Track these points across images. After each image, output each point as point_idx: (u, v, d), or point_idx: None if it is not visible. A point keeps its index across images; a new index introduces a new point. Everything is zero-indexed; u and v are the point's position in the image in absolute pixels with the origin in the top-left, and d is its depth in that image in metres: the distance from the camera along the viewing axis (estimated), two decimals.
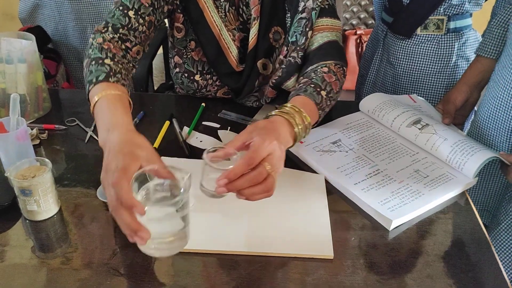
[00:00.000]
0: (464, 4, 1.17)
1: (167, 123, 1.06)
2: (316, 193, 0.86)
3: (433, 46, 1.23)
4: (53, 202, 0.80)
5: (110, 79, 0.84)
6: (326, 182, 0.89)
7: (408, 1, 1.20)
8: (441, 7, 1.18)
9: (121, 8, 0.97)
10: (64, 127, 1.04)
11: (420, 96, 1.29)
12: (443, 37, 1.22)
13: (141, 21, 0.98)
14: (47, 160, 0.79)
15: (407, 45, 1.26)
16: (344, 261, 0.73)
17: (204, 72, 1.14)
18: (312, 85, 0.92)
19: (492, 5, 1.16)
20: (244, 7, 1.06)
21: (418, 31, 1.22)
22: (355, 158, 0.93)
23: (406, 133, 0.98)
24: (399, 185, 0.86)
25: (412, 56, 1.26)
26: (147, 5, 0.99)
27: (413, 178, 0.88)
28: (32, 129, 0.99)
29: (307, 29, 1.03)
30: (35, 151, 0.96)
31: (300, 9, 1.04)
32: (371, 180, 0.87)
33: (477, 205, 1.06)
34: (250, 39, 1.07)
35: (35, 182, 0.75)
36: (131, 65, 0.99)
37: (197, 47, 1.11)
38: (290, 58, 1.06)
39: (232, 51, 1.09)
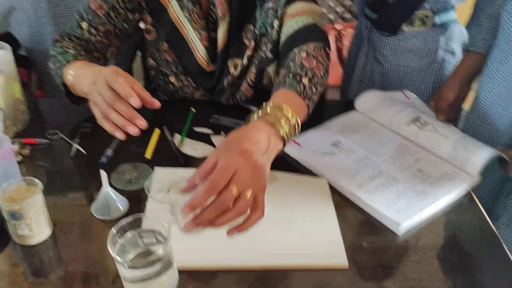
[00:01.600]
0: None
1: (157, 131, 1.01)
2: (321, 198, 0.83)
3: (419, 41, 1.22)
4: (46, 224, 0.74)
5: (78, 58, 0.92)
6: (329, 185, 0.87)
7: None
8: (425, 2, 1.17)
9: (77, 18, 1.01)
10: (46, 140, 0.98)
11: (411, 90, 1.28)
12: (428, 32, 1.21)
13: (94, 31, 1.00)
14: (36, 180, 0.73)
15: (393, 42, 1.24)
16: (360, 269, 0.71)
17: (179, 72, 1.11)
18: (291, 75, 0.84)
19: None
20: (212, 6, 1.03)
21: (404, 27, 1.21)
22: (357, 160, 0.91)
23: (406, 132, 0.97)
24: (403, 185, 0.85)
25: (399, 52, 1.24)
26: (101, 15, 1.00)
27: (417, 178, 0.86)
28: (13, 145, 0.92)
29: (273, 18, 0.99)
30: (19, 168, 0.89)
31: None
32: (375, 182, 0.86)
33: None
34: (218, 39, 1.04)
35: (25, 205, 0.70)
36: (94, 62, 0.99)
37: (170, 49, 1.09)
38: (261, 53, 1.03)
39: (199, 50, 1.06)
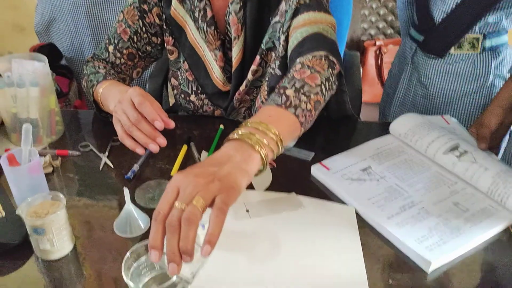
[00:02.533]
0: (501, 21, 1.11)
1: (185, 147, 1.01)
2: (347, 228, 0.80)
3: (468, 65, 1.16)
4: (68, 240, 0.75)
5: (107, 78, 0.99)
6: (356, 214, 0.83)
7: (440, 20, 1.14)
8: (476, 26, 1.11)
9: (106, 41, 1.09)
10: (77, 152, 0.99)
11: (455, 117, 1.23)
12: (478, 56, 1.15)
13: (118, 55, 1.08)
14: (61, 195, 0.74)
15: (440, 65, 1.19)
16: None
17: (199, 92, 1.12)
18: (275, 91, 0.78)
19: None
20: (228, 26, 1.02)
21: (452, 50, 1.16)
22: (387, 188, 0.87)
23: (443, 161, 0.91)
24: (437, 219, 0.80)
25: (446, 76, 1.19)
26: (125, 39, 1.07)
27: (452, 212, 0.81)
28: (44, 156, 0.94)
29: (280, 33, 0.98)
30: (48, 179, 0.91)
31: (276, 13, 0.98)
32: (405, 214, 0.81)
33: None
34: (233, 59, 1.03)
35: (48, 221, 0.70)
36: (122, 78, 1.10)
37: (190, 68, 1.11)
38: (270, 70, 1.01)
39: (215, 71, 1.07)
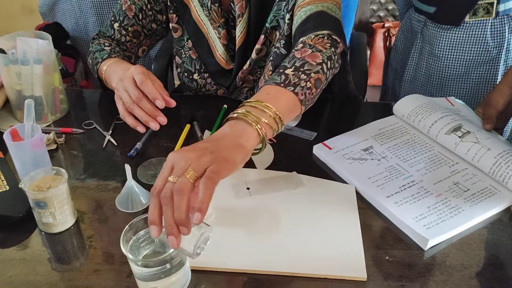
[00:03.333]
0: None
1: (188, 126, 1.01)
2: (346, 206, 0.80)
3: (484, 31, 1.15)
4: (69, 214, 0.76)
5: (112, 56, 1.00)
6: (357, 193, 0.83)
7: None
8: None
9: (111, 18, 1.09)
10: (81, 130, 1.00)
11: (473, 86, 1.21)
12: (494, 21, 1.14)
13: (123, 32, 1.08)
14: (63, 170, 0.75)
15: (455, 34, 1.17)
16: (378, 283, 0.67)
17: (202, 70, 1.12)
18: (276, 70, 0.79)
19: None
20: (232, 4, 1.01)
21: (467, 18, 1.14)
22: (388, 168, 0.87)
23: (445, 141, 0.91)
24: (436, 199, 0.80)
25: (461, 45, 1.18)
26: (130, 16, 1.07)
27: (452, 191, 0.81)
28: (49, 133, 0.95)
29: (285, 12, 0.97)
30: (52, 156, 0.93)
31: None
32: (405, 193, 0.81)
33: None
34: (237, 37, 1.03)
35: (50, 194, 0.72)
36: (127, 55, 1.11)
37: (194, 46, 1.11)
38: (275, 49, 1.01)
39: (218, 49, 1.07)
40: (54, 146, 0.95)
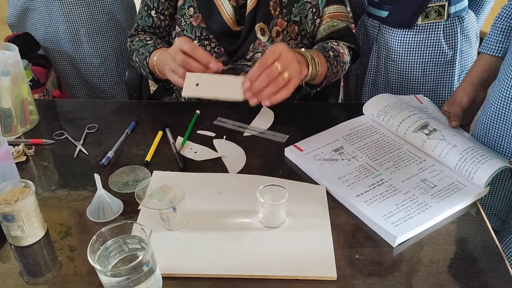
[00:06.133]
0: None
1: (160, 133, 1.01)
2: (317, 207, 0.81)
3: (437, 33, 1.19)
4: (38, 226, 0.75)
5: (157, 47, 1.08)
6: (328, 193, 0.84)
7: None
8: None
9: (145, 8, 1.16)
10: (52, 141, 1.00)
11: (431, 88, 1.24)
12: (445, 23, 1.18)
13: (162, 17, 1.16)
14: (30, 182, 0.75)
15: (409, 37, 1.20)
16: (348, 281, 0.68)
17: (202, 38, 1.15)
18: (321, 47, 1.07)
19: None
20: None
21: (419, 20, 1.18)
22: (358, 167, 0.88)
23: (413, 139, 0.92)
24: (404, 196, 0.81)
25: (416, 47, 1.21)
26: (162, 0, 1.14)
27: (419, 188, 0.82)
28: (18, 145, 0.94)
29: (315, 17, 1.13)
30: (22, 168, 0.92)
31: None
32: (374, 192, 0.82)
33: (485, 209, 1.01)
34: (248, 2, 1.08)
35: (17, 207, 0.71)
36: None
37: (195, 13, 1.13)
38: (296, 43, 1.15)
39: (226, 9, 1.09)
40: (23, 158, 0.94)
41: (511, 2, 0.96)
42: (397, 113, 0.97)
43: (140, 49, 1.10)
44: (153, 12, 1.16)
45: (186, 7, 1.13)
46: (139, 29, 1.18)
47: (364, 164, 0.89)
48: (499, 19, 0.97)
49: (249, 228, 0.77)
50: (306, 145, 0.95)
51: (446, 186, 0.83)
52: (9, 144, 0.87)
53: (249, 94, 0.85)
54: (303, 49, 0.99)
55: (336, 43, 1.10)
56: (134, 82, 1.36)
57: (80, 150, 0.97)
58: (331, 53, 1.06)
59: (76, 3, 1.41)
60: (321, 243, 0.74)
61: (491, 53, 0.97)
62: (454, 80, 1.23)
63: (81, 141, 0.99)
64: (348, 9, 1.17)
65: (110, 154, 0.94)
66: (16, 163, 0.87)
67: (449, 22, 1.19)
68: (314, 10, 1.12)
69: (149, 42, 1.11)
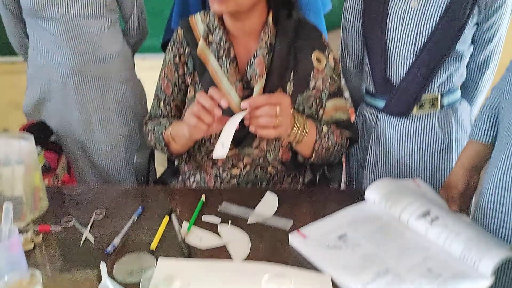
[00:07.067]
0: (453, 79, 1.23)
1: (166, 218, 1.03)
2: None
3: (432, 123, 1.25)
4: None
5: (171, 122, 1.19)
6: (332, 282, 0.84)
7: (398, 83, 1.23)
8: (433, 85, 1.21)
9: (156, 99, 1.27)
10: (59, 228, 1.01)
11: (430, 174, 1.27)
12: (440, 113, 1.25)
13: (168, 108, 1.26)
14: (37, 272, 0.75)
15: (405, 125, 1.27)
16: None
17: None
18: (320, 121, 1.18)
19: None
20: (248, 67, 1.16)
21: (414, 110, 1.24)
22: (363, 255, 0.88)
23: (416, 227, 0.94)
24: (410, 286, 0.80)
25: (413, 135, 1.27)
26: (169, 94, 1.24)
27: (425, 278, 0.82)
28: (26, 232, 0.96)
29: (318, 108, 1.19)
30: (29, 256, 0.92)
31: (311, 86, 1.17)
32: (380, 281, 0.82)
33: None
34: (255, 94, 1.13)
35: None
36: None
37: None
38: None
39: (233, 98, 1.15)
40: (31, 246, 0.95)
41: (494, 93, 1.02)
42: (399, 199, 0.99)
43: (155, 127, 1.21)
44: (161, 104, 1.25)
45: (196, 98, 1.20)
46: (151, 117, 1.28)
47: (369, 252, 0.89)
48: (485, 109, 1.02)
49: None
50: (310, 231, 0.96)
51: (452, 275, 0.83)
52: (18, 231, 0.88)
53: (244, 105, 1.00)
54: (298, 114, 1.11)
55: (334, 127, 1.18)
56: (142, 167, 1.40)
57: (86, 238, 0.98)
58: (325, 128, 1.15)
59: (90, 93, 1.50)
60: None
61: (479, 139, 1.02)
62: (451, 166, 1.26)
63: (88, 227, 1.01)
64: (349, 100, 1.24)
65: (116, 241, 0.95)
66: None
67: (443, 112, 1.25)
68: (317, 101, 1.19)
69: (162, 121, 1.21)
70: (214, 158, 1.04)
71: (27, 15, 1.52)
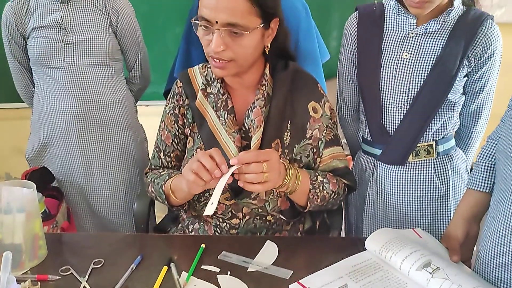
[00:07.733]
0: (447, 127, 1.26)
1: (165, 268, 1.02)
2: None
3: (428, 170, 1.27)
4: None
5: (171, 176, 1.19)
6: None
7: (394, 131, 1.26)
8: (428, 134, 1.24)
9: (156, 149, 1.29)
10: (57, 277, 1.00)
11: (429, 222, 1.28)
12: (435, 160, 1.27)
13: (168, 159, 1.27)
14: None
15: (402, 173, 1.29)
16: None
17: None
18: (314, 171, 1.18)
19: None
20: (246, 118, 1.18)
21: (410, 158, 1.26)
22: None
23: (417, 278, 0.93)
24: None
25: (410, 183, 1.28)
26: (169, 144, 1.26)
27: None
28: (24, 282, 0.95)
29: (315, 156, 1.20)
30: None
31: (307, 135, 1.18)
32: None
33: None
34: (252, 144, 1.15)
35: None
36: None
37: None
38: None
39: (231, 149, 1.16)
40: None
41: (489, 143, 1.04)
42: (399, 249, 0.98)
43: (155, 180, 1.21)
44: (161, 154, 1.27)
45: (195, 148, 1.22)
46: (152, 167, 1.29)
47: None
48: (481, 158, 1.04)
49: None
50: (310, 282, 0.95)
51: None
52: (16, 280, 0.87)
53: (234, 161, 1.00)
54: (291, 164, 1.13)
55: (331, 174, 1.19)
56: (141, 214, 1.40)
57: (84, 287, 0.97)
58: (320, 178, 1.15)
59: (92, 139, 1.52)
60: None
61: (477, 188, 1.02)
62: (450, 214, 1.27)
63: (86, 276, 1.00)
64: (343, 150, 1.27)
65: None
66: None
67: (439, 160, 1.27)
68: (314, 150, 1.20)
69: (162, 173, 1.22)
70: (204, 215, 1.05)
71: (33, 64, 1.56)
